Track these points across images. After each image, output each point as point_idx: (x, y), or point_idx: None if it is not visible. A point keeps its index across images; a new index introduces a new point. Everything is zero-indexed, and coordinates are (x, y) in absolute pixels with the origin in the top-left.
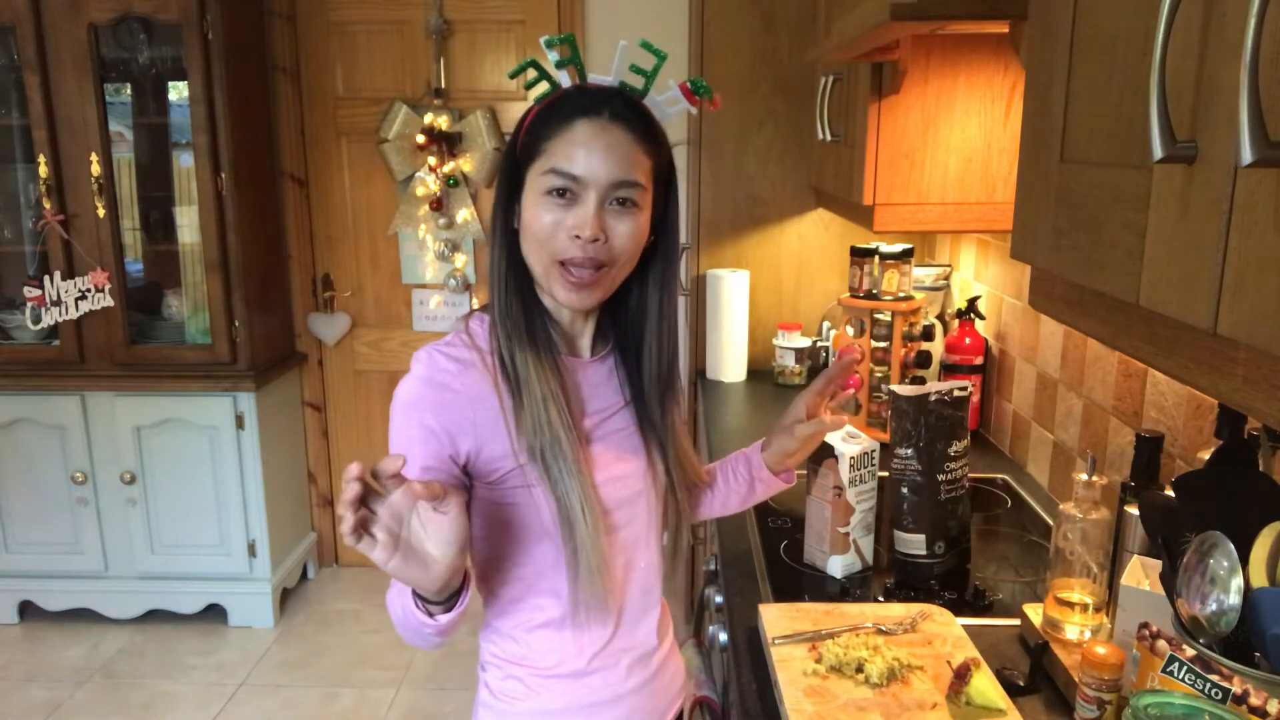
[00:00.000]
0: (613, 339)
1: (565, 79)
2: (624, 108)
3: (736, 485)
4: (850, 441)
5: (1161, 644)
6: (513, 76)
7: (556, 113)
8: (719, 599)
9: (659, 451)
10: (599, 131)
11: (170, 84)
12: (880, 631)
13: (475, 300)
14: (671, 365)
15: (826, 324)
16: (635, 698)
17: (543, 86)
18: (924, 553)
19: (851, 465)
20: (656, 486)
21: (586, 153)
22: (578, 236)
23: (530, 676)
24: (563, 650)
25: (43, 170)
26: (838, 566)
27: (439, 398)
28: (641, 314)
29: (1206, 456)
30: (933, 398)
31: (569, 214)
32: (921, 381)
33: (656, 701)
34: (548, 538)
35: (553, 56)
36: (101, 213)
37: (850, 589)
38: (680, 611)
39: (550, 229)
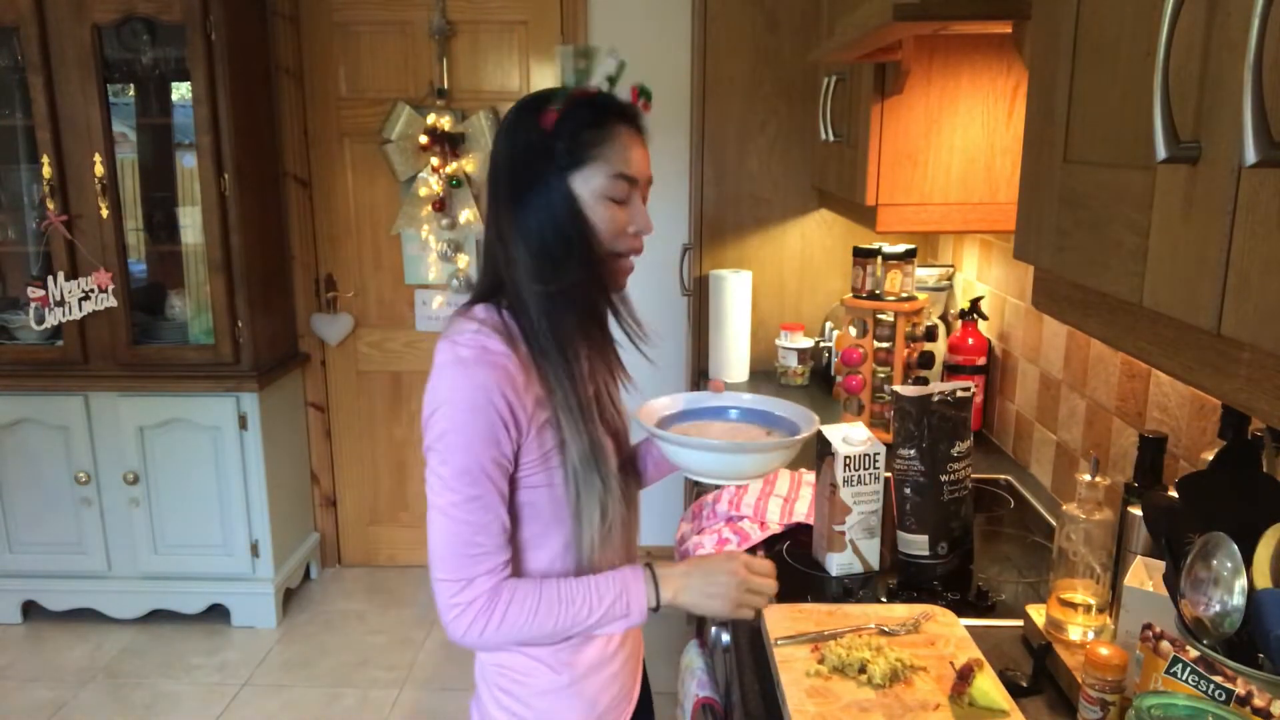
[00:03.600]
0: None
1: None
2: (640, 115)
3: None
4: (851, 444)
5: (1165, 645)
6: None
7: (595, 120)
8: None
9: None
10: (636, 135)
11: (173, 84)
12: (883, 632)
13: None
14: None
15: (829, 324)
16: (623, 659)
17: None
18: (927, 553)
19: (846, 465)
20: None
21: (637, 157)
22: (637, 233)
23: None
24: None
25: (46, 171)
26: (833, 564)
27: (507, 380)
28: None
29: (1210, 457)
30: (935, 398)
31: (626, 214)
32: (924, 382)
33: (636, 664)
34: (560, 525)
35: (573, 66)
36: (105, 213)
37: (853, 590)
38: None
39: (614, 228)
